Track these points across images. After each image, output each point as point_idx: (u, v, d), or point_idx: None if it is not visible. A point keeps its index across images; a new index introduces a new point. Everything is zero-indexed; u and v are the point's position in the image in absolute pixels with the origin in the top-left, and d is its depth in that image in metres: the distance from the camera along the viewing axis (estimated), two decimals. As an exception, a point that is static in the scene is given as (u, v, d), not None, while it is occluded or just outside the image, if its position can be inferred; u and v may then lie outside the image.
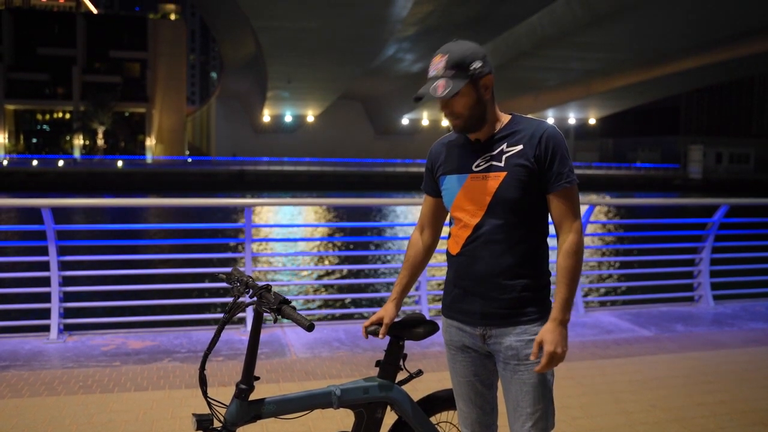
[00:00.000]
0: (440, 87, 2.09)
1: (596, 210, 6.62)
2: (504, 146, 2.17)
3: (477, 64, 2.11)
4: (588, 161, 77.05)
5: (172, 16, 79.12)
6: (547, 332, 2.10)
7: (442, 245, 2.53)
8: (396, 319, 2.46)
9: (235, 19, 51.44)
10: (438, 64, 2.12)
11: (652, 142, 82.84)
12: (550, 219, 2.24)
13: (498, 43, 49.61)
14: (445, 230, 2.49)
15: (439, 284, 9.76)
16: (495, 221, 2.17)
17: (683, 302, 7.13)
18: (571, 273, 2.13)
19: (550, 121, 79.98)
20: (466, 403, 2.36)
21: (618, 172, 64.60)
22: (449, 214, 2.35)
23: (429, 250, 2.50)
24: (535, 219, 2.19)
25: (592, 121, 79.88)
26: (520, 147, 2.15)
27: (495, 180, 2.16)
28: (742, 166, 74.24)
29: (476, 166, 2.20)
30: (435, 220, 2.46)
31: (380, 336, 2.37)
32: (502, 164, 2.16)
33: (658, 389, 4.48)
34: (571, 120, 77.86)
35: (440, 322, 2.48)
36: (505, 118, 2.24)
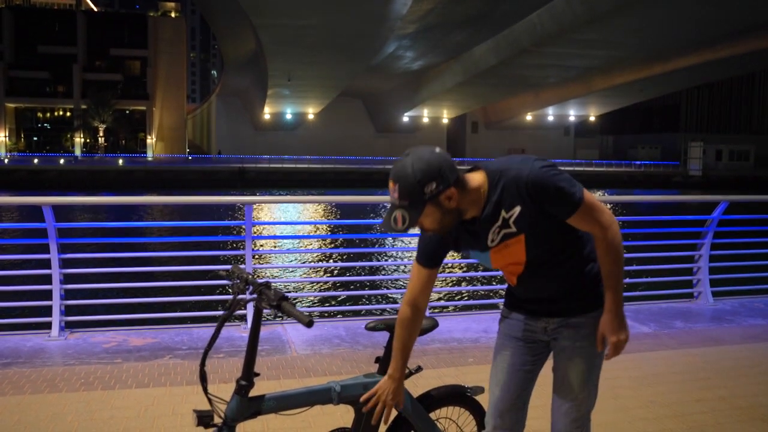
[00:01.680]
0: (398, 220, 2.02)
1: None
2: (504, 213, 2.13)
3: (431, 186, 1.99)
4: (588, 159, 77.01)
5: (172, 14, 79.11)
6: (606, 324, 2.21)
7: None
8: (394, 317, 2.47)
9: (235, 16, 51.40)
10: (393, 192, 2.03)
11: (652, 140, 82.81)
12: None
13: (498, 41, 49.59)
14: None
15: (439, 282, 9.82)
16: (538, 264, 2.24)
17: (682, 299, 7.14)
18: (614, 263, 2.19)
19: (550, 118, 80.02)
20: (502, 390, 2.38)
21: (618, 169, 64.56)
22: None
23: (420, 321, 2.37)
24: (572, 233, 2.24)
25: (592, 119, 79.88)
26: (519, 208, 2.11)
27: (518, 244, 2.19)
28: (742, 163, 74.14)
29: (491, 242, 2.21)
30: (426, 292, 2.35)
31: (385, 421, 2.36)
32: (514, 229, 2.15)
33: (656, 385, 4.50)
34: (572, 117, 77.82)
35: (441, 320, 2.49)
36: (483, 184, 2.13)
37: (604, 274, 2.21)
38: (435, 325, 2.54)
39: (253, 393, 2.19)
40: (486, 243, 2.21)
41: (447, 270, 11.45)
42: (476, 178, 2.14)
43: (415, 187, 1.99)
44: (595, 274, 2.27)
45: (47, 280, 5.38)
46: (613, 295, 2.20)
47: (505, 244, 2.19)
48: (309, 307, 10.28)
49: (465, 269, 12.20)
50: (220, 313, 2.14)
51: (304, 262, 14.98)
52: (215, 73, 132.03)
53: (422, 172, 1.99)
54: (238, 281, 2.23)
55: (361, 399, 2.34)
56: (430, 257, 2.29)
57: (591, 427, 2.40)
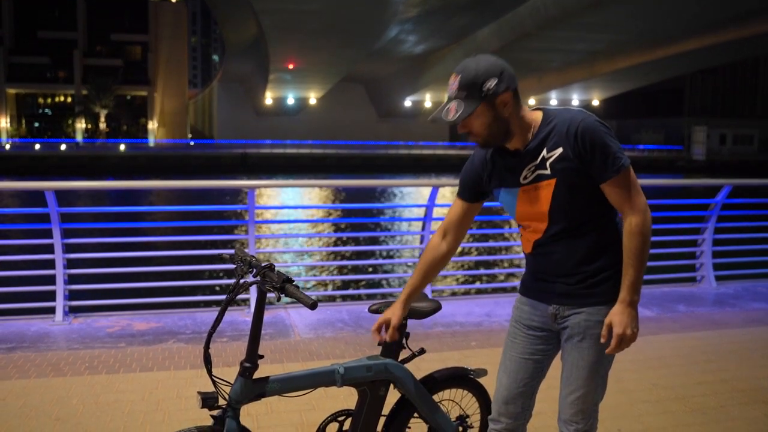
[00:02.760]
0: (452, 110, 2.07)
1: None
2: (544, 152, 2.13)
3: (490, 84, 2.05)
4: (591, 143, 76.65)
5: (173, -1, 78.62)
6: (615, 314, 2.11)
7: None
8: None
9: (236, 1, 51.14)
10: (452, 84, 2.09)
11: (655, 124, 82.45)
12: None
13: (501, 25, 49.30)
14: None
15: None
16: (561, 224, 2.18)
17: (685, 282, 7.15)
18: (636, 253, 2.11)
19: (553, 102, 79.87)
20: (509, 377, 2.36)
21: (621, 153, 64.30)
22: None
23: (447, 256, 2.44)
24: (600, 207, 2.18)
25: (595, 103, 79.53)
26: (560, 150, 2.10)
27: (547, 189, 2.14)
28: (746, 147, 73.89)
29: (524, 179, 2.18)
30: (461, 226, 2.42)
31: (388, 339, 2.36)
32: (548, 171, 2.13)
33: (659, 368, 4.51)
34: (575, 102, 77.47)
35: (444, 303, 2.49)
36: (536, 118, 2.18)
37: (625, 261, 2.13)
38: (438, 308, 2.54)
39: (257, 375, 2.19)
40: (519, 179, 2.19)
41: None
42: (533, 113, 2.19)
43: (476, 81, 2.05)
44: (615, 263, 2.18)
45: (50, 265, 5.39)
46: (630, 286, 2.11)
47: (535, 186, 2.16)
48: (312, 291, 10.30)
49: (470, 253, 12.20)
50: (224, 297, 2.14)
51: (307, 247, 15.02)
52: (216, 58, 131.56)
53: (486, 68, 2.06)
54: (242, 264, 2.22)
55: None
56: (465, 189, 2.36)
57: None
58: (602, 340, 2.16)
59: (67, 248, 5.48)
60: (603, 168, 2.08)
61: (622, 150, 2.11)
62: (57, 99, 69.20)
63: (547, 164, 2.12)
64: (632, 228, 2.12)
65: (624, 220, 2.15)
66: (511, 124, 2.13)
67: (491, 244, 6.63)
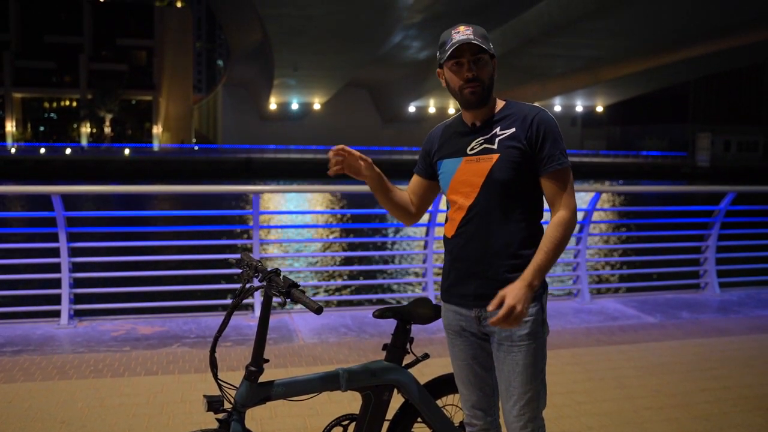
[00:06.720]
0: (480, 42, 2.16)
1: (603, 197, 6.63)
2: (498, 129, 2.22)
3: (491, 45, 2.21)
4: (595, 149, 76.72)
5: (179, 4, 78.96)
6: (512, 289, 2.05)
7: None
8: (401, 305, 2.49)
9: (241, 6, 51.32)
10: (466, 30, 2.18)
11: (659, 130, 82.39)
12: (544, 203, 2.27)
13: (505, 30, 49.37)
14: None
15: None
16: (488, 202, 2.19)
17: (689, 289, 7.14)
18: (554, 241, 2.12)
19: (557, 108, 79.79)
20: (466, 386, 2.39)
21: (625, 160, 64.34)
22: (445, 200, 2.37)
23: (410, 215, 2.46)
24: (528, 200, 2.21)
25: (599, 109, 79.51)
26: (513, 130, 2.19)
27: (488, 162, 2.19)
28: (750, 154, 73.76)
29: (470, 150, 2.24)
30: (417, 198, 2.46)
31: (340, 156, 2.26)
32: (495, 146, 2.20)
33: (662, 375, 4.51)
34: (579, 108, 77.50)
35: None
36: (500, 104, 2.28)
37: (540, 246, 2.12)
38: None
39: (261, 380, 2.20)
40: (466, 149, 2.25)
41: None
42: (499, 101, 2.30)
43: (486, 37, 2.20)
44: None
45: (56, 268, 5.42)
46: (536, 268, 2.08)
47: (478, 158, 2.21)
48: (316, 296, 10.31)
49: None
50: (228, 302, 2.15)
51: (311, 252, 15.04)
52: (221, 63, 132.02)
53: (486, 33, 2.24)
54: (248, 269, 2.24)
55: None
56: (418, 163, 2.45)
57: (586, 420, 2.38)
58: (490, 309, 2.07)
59: (73, 252, 5.51)
60: (548, 159, 2.16)
61: (567, 154, 2.21)
62: (62, 103, 69.40)
63: (496, 140, 2.20)
64: (559, 219, 2.16)
65: (554, 213, 2.19)
66: (492, 90, 2.24)
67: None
